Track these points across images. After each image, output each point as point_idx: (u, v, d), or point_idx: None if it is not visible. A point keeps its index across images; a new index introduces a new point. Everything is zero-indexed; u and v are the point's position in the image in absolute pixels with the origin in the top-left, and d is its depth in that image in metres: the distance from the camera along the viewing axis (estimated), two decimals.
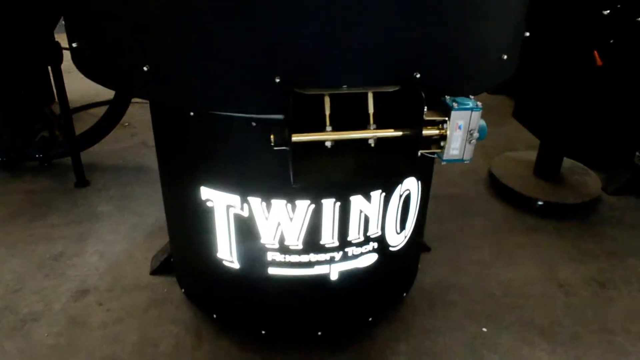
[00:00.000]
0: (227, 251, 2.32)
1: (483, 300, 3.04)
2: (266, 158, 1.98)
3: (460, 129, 1.64)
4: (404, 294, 2.86)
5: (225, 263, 2.36)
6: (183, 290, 2.80)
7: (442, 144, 1.68)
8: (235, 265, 2.34)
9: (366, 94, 1.68)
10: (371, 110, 1.69)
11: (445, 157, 1.68)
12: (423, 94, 1.59)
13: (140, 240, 3.47)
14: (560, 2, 3.38)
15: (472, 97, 1.70)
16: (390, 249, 2.45)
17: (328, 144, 1.69)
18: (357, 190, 2.10)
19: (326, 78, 1.65)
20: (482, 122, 1.68)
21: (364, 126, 1.72)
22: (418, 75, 1.69)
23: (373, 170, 1.79)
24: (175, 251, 2.75)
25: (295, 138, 1.61)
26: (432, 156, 1.77)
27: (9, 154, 4.15)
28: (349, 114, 1.69)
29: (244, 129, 1.92)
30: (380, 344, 2.69)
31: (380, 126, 1.71)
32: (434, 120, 1.67)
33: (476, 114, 1.64)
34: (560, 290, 3.14)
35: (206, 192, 2.20)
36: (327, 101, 1.64)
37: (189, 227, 2.44)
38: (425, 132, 1.65)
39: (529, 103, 4.08)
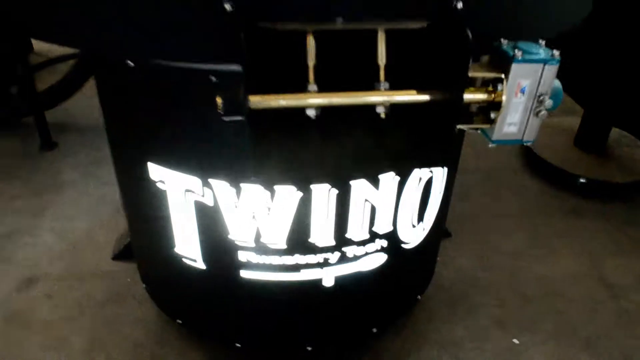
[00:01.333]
0: (187, 247, 1.77)
1: (514, 302, 2.48)
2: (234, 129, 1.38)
3: (523, 93, 1.04)
4: (418, 297, 2.30)
5: (187, 261, 1.81)
6: (144, 286, 2.26)
7: (492, 115, 1.08)
8: (200, 265, 1.79)
9: (374, 34, 1.06)
10: (382, 60, 1.09)
11: (495, 136, 1.09)
12: (469, 33, 0.98)
13: (105, 216, 2.93)
14: None
15: (542, 42, 1.09)
16: (404, 246, 1.88)
17: (311, 112, 1.10)
18: (361, 173, 1.51)
19: (309, 4, 1.04)
20: (558, 84, 1.07)
21: (370, 85, 1.11)
22: (460, 5, 1.07)
23: (383, 157, 1.19)
24: (133, 239, 2.20)
25: (255, 101, 1.02)
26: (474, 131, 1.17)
27: None
28: (346, 67, 1.09)
29: (200, 86, 1.33)
30: (385, 359, 2.16)
31: (395, 86, 1.10)
32: (481, 79, 1.06)
33: (550, 70, 1.03)
34: (607, 292, 2.57)
35: (156, 171, 1.63)
36: (310, 43, 1.03)
37: (141, 213, 1.89)
38: (467, 96, 1.05)
39: (571, 63, 3.39)
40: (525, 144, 1.14)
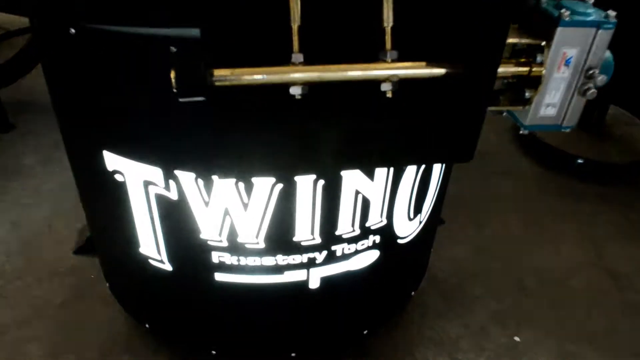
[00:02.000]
0: (152, 247, 1.53)
1: (513, 295, 2.31)
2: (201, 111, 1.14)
3: (567, 66, 0.82)
4: (412, 293, 2.11)
5: (153, 262, 1.58)
6: (108, 285, 2.02)
7: (526, 94, 0.86)
8: (167, 266, 1.56)
9: None
10: (389, 21, 0.85)
11: (530, 120, 0.88)
12: None
13: (68, 205, 2.65)
14: None
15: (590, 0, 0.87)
16: (399, 241, 1.67)
17: (296, 90, 0.87)
18: (355, 164, 1.28)
19: None
20: (609, 55, 0.85)
21: (373, 56, 0.88)
22: None
23: (385, 147, 0.96)
24: (94, 237, 1.95)
25: (222, 76, 0.78)
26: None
27: None
28: (341, 30, 0.85)
29: (155, 58, 1.08)
30: None
31: (405, 56, 0.87)
32: (512, 47, 0.84)
33: (604, 37, 0.81)
34: (611, 281, 2.41)
35: (112, 160, 1.38)
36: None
37: (99, 210, 1.64)
38: (500, 69, 0.82)
39: None
40: (563, 130, 0.92)
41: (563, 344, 2.09)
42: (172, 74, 0.80)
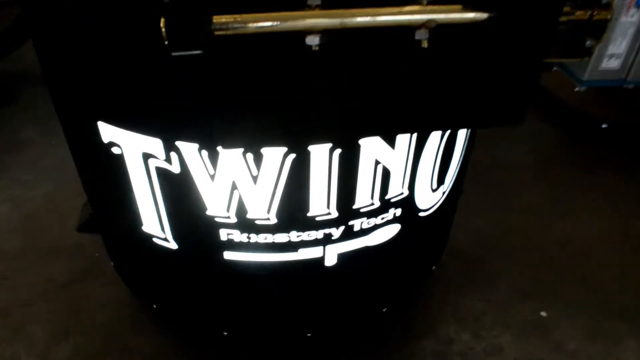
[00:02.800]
0: (155, 225, 1.42)
1: (538, 268, 2.19)
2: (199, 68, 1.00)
3: (638, 8, 0.68)
4: (433, 267, 2.00)
5: (157, 241, 1.47)
6: (113, 264, 1.93)
7: (587, 43, 0.71)
8: (172, 245, 1.45)
9: None
10: None
11: (589, 74, 0.79)
12: None
13: (70, 180, 2.52)
14: None
15: None
16: (420, 214, 1.55)
17: (313, 40, 0.73)
18: (376, 130, 1.14)
19: None
20: None
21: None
22: None
23: (424, 115, 0.82)
24: (96, 214, 1.83)
25: (223, 24, 0.64)
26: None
27: None
28: None
29: (144, 6, 0.93)
30: (396, 341, 1.87)
31: None
32: None
33: None
34: None
35: (107, 131, 1.26)
36: None
37: (98, 184, 1.53)
38: None
39: None
40: (626, 87, 0.78)
41: (594, 319, 1.98)
42: (162, 22, 0.66)
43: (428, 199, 1.53)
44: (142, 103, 1.15)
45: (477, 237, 2.32)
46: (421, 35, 0.72)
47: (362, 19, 0.71)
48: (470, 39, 0.75)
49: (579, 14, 0.73)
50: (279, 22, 0.70)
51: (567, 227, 2.40)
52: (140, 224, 1.45)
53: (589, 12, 0.72)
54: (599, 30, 0.71)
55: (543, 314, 2.00)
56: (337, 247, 1.44)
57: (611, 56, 0.75)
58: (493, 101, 0.85)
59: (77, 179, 2.46)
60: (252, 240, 1.37)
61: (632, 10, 0.71)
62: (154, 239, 1.47)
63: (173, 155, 1.21)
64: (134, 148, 1.24)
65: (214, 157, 1.19)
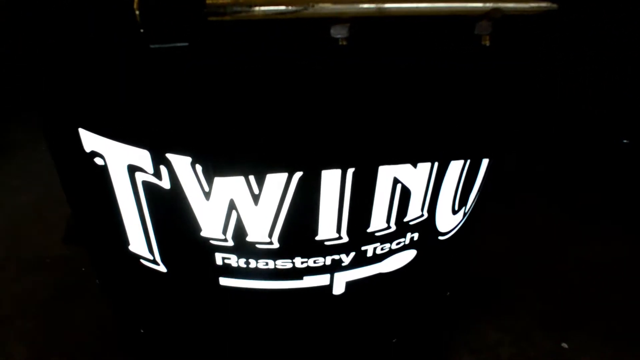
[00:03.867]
0: (142, 245, 1.26)
1: (559, 295, 2.03)
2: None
3: None
4: (447, 293, 1.84)
5: (145, 263, 1.31)
6: (97, 281, 1.77)
7: None
8: (161, 268, 1.29)
9: None
10: None
11: None
12: None
13: (59, 187, 2.38)
14: None
15: None
16: (440, 238, 1.39)
17: (339, 31, 0.56)
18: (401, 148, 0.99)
19: None
20: None
21: None
22: None
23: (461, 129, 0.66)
24: (79, 228, 1.68)
25: (218, 7, 0.49)
26: None
27: None
28: None
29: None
30: None
31: None
32: None
33: None
34: None
35: (89, 140, 1.11)
36: None
37: (80, 198, 1.38)
38: None
39: None
40: None
41: (618, 353, 1.82)
42: (135, 4, 0.49)
43: (448, 222, 1.37)
44: (126, 107, 0.99)
45: (494, 259, 2.16)
46: (483, 29, 0.54)
47: (406, 5, 0.53)
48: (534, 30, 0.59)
49: None
50: (293, 7, 0.52)
51: (590, 249, 2.25)
52: (126, 243, 1.29)
53: None
54: None
55: (564, 345, 1.84)
56: (346, 275, 1.28)
57: None
58: None
59: None
60: (251, 266, 1.21)
61: None
62: (142, 260, 1.31)
63: (163, 168, 1.05)
64: (119, 159, 1.09)
65: (209, 173, 1.04)
